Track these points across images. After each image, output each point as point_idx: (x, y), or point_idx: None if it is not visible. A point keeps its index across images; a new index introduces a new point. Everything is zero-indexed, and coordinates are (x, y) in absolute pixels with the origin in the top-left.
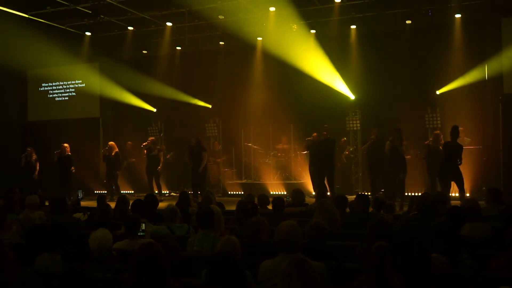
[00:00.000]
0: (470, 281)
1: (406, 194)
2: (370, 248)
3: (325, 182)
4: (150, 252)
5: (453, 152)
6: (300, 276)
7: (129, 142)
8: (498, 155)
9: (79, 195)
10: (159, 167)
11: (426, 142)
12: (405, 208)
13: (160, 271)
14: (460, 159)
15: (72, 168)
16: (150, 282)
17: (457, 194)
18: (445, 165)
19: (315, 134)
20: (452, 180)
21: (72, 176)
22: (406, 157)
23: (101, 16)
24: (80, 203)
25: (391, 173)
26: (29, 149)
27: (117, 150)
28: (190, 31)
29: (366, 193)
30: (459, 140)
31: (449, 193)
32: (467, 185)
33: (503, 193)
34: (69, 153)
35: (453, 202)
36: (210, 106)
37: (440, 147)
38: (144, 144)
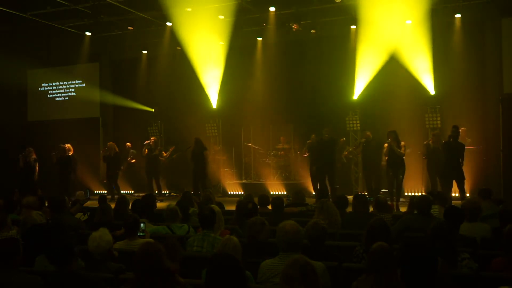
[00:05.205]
0: (470, 281)
1: (406, 194)
2: (369, 248)
3: (326, 182)
4: (151, 251)
5: (455, 151)
6: (301, 277)
7: (127, 144)
8: (498, 155)
9: (87, 195)
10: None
11: (425, 142)
12: (402, 209)
13: (161, 270)
14: (463, 159)
15: (73, 174)
16: (151, 281)
17: (457, 194)
18: (447, 164)
19: (313, 135)
20: (454, 180)
21: (71, 180)
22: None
23: (101, 16)
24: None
25: (390, 175)
26: (28, 149)
27: (117, 150)
28: (191, 31)
29: (364, 193)
30: (461, 140)
31: (450, 193)
32: (467, 185)
33: (503, 193)
34: (70, 154)
35: (454, 202)
36: (214, 107)
37: (440, 147)
38: (146, 142)
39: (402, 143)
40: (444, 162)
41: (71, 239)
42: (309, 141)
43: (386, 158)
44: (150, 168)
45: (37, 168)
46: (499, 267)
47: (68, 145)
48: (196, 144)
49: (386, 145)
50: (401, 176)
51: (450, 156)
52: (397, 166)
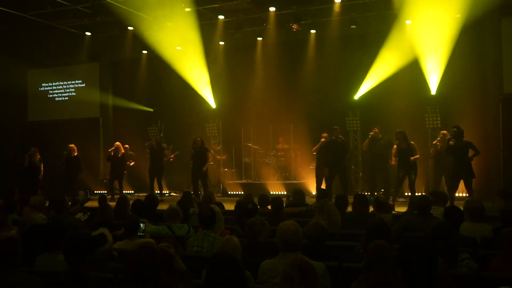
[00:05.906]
0: (470, 281)
1: (406, 194)
2: (369, 248)
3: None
4: (143, 253)
5: (458, 151)
6: (301, 277)
7: (126, 146)
8: (498, 155)
9: (87, 195)
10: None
11: (434, 142)
12: (403, 208)
13: (153, 272)
14: (476, 151)
15: (80, 173)
16: (142, 282)
17: (462, 194)
18: (454, 166)
19: (326, 134)
20: (462, 179)
21: (77, 178)
22: (416, 156)
23: (101, 16)
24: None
25: (401, 176)
26: (33, 149)
27: (123, 151)
28: (191, 31)
29: (365, 193)
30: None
31: (455, 193)
32: None
33: None
34: (76, 154)
35: (460, 203)
36: (214, 107)
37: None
38: (147, 143)
39: (412, 142)
40: (451, 164)
41: (85, 239)
42: (323, 139)
43: (396, 159)
44: (154, 167)
45: (42, 168)
46: (499, 267)
47: (72, 145)
48: (201, 144)
49: (395, 146)
50: (413, 176)
51: (454, 156)
52: (409, 167)
